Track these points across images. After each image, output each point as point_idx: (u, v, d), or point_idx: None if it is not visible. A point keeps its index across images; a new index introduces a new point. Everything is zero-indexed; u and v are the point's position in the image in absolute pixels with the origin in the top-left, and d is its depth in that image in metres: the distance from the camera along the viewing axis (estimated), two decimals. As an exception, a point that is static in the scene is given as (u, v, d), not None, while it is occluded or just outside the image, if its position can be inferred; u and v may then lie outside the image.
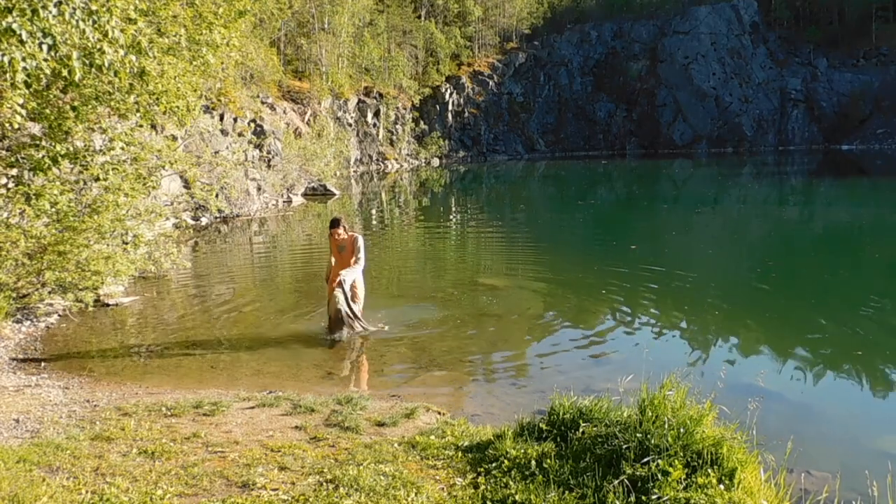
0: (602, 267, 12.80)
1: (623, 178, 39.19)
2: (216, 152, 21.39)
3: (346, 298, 7.85)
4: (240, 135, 25.82)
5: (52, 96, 6.95)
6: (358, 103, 47.93)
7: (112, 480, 3.91)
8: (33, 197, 7.22)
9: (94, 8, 4.79)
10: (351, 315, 7.89)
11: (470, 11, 59.24)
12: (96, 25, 4.80)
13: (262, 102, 32.27)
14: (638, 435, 3.85)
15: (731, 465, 3.63)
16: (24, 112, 5.40)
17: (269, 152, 28.23)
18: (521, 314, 9.18)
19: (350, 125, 46.37)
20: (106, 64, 5.04)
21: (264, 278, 12.76)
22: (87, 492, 3.76)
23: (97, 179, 7.87)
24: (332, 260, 8.20)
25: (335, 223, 8.08)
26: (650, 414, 4.02)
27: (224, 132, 25.09)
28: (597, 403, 4.44)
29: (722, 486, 3.48)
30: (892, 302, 9.64)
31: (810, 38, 63.41)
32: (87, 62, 4.95)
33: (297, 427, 4.95)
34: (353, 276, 7.91)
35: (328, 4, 44.88)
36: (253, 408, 5.43)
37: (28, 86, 4.82)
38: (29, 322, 8.48)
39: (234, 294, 11.02)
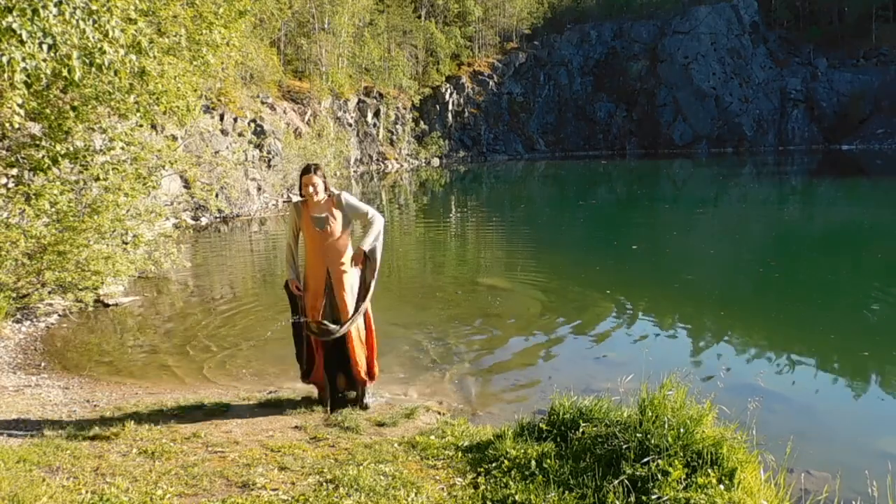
0: (603, 267, 12.81)
1: (623, 178, 39.19)
2: (216, 152, 21.40)
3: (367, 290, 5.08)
4: (240, 135, 25.83)
5: (52, 96, 6.95)
6: (358, 103, 47.93)
7: (112, 480, 3.91)
8: (33, 197, 7.23)
9: (94, 8, 4.79)
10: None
11: (470, 11, 59.28)
12: (96, 25, 4.81)
13: (262, 102, 32.28)
14: (638, 435, 3.85)
15: (731, 465, 3.63)
16: (22, 112, 5.40)
17: (269, 152, 28.23)
18: (522, 314, 9.18)
19: (350, 125, 46.38)
20: (106, 64, 5.04)
21: (264, 278, 12.76)
22: (87, 492, 3.76)
23: (97, 179, 7.88)
24: (301, 241, 5.21)
25: (309, 168, 5.08)
26: (650, 414, 4.01)
27: (224, 132, 25.09)
28: (597, 403, 4.43)
29: (722, 486, 3.48)
30: (893, 302, 9.63)
31: (810, 38, 63.43)
32: (87, 62, 4.95)
33: (297, 427, 4.94)
34: (380, 241, 5.06)
35: (328, 4, 44.89)
36: (253, 408, 5.43)
37: (28, 86, 4.83)
38: (29, 322, 8.48)
39: (234, 294, 11.02)
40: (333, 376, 5.39)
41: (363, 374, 5.28)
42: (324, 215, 5.02)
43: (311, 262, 5.13)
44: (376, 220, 5.03)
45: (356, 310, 5.05)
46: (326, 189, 5.05)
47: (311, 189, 4.96)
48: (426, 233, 18.92)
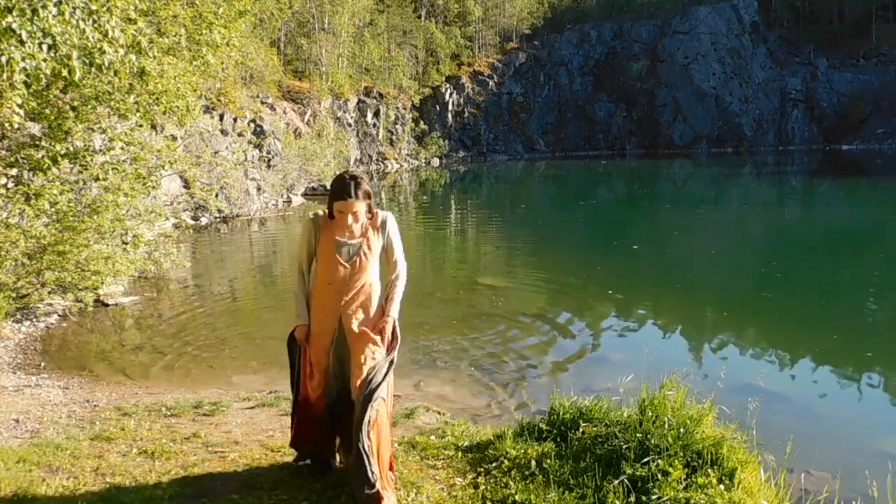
0: (603, 267, 12.80)
1: (623, 178, 39.19)
2: (216, 152, 21.40)
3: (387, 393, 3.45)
4: (240, 135, 25.84)
5: (52, 96, 6.95)
6: (358, 103, 47.94)
7: (112, 480, 3.90)
8: (33, 197, 7.23)
9: (94, 8, 4.79)
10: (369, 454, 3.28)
11: (470, 11, 59.29)
12: (96, 25, 4.81)
13: (262, 102, 32.28)
14: (638, 435, 3.85)
15: (731, 465, 3.63)
16: (22, 112, 5.40)
17: (268, 152, 28.24)
18: (522, 314, 9.17)
19: (350, 125, 46.37)
20: (106, 64, 5.04)
21: (264, 278, 12.76)
22: (87, 492, 3.76)
23: (97, 179, 7.88)
24: (316, 274, 3.59)
25: (349, 187, 3.36)
26: (650, 414, 4.01)
27: (224, 132, 25.09)
28: (597, 403, 4.43)
29: (722, 486, 3.48)
30: (894, 302, 9.63)
31: (810, 38, 63.42)
32: (87, 62, 4.95)
33: (297, 427, 4.94)
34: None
35: (328, 4, 44.90)
36: (253, 408, 5.43)
37: (28, 86, 4.83)
38: (29, 322, 8.48)
39: (233, 294, 11.02)
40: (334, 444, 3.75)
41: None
42: (356, 242, 3.45)
43: (318, 305, 3.53)
44: (404, 272, 3.60)
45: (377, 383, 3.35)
46: (370, 210, 3.49)
47: (349, 220, 3.37)
48: (426, 232, 18.92)
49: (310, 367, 3.54)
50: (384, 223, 3.55)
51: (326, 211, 3.52)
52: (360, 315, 3.49)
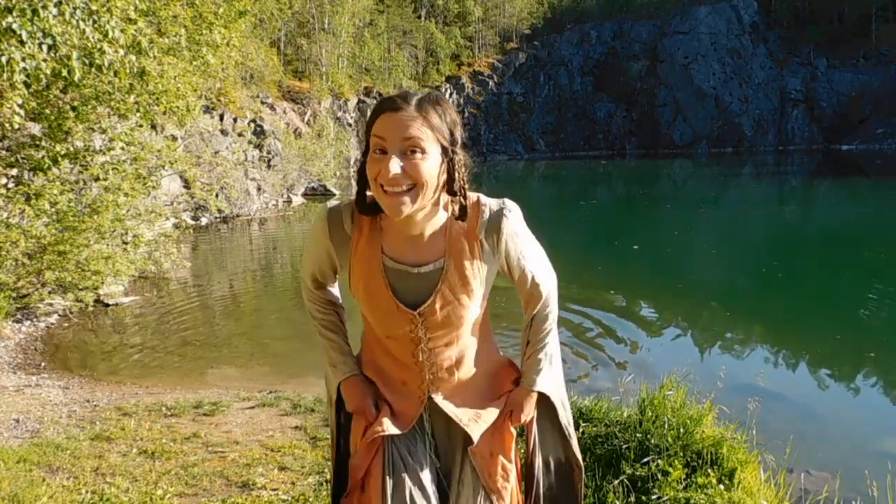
0: (604, 267, 12.80)
1: (623, 177, 39.19)
2: (216, 152, 21.40)
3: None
4: (240, 135, 25.84)
5: (52, 96, 6.95)
6: (358, 103, 47.96)
7: (112, 480, 3.90)
8: (33, 197, 7.23)
9: (94, 8, 4.79)
10: None
11: (470, 11, 59.38)
12: (96, 25, 4.81)
13: (262, 102, 32.29)
14: (638, 435, 3.85)
15: (731, 465, 3.63)
16: (22, 112, 5.41)
17: (269, 152, 28.24)
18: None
19: (350, 125, 46.38)
20: (106, 64, 5.04)
21: (264, 278, 12.76)
22: (87, 492, 3.76)
23: (97, 179, 7.89)
24: (364, 321, 1.74)
25: (399, 97, 1.50)
26: (650, 414, 4.01)
27: (224, 132, 25.09)
28: (597, 403, 4.43)
29: (722, 486, 3.48)
30: (894, 302, 9.63)
31: (810, 38, 63.47)
32: (87, 62, 4.95)
33: (297, 427, 4.94)
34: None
35: (328, 4, 44.94)
36: (253, 408, 5.43)
37: (28, 86, 4.83)
38: (29, 322, 8.48)
39: (234, 294, 11.02)
40: None
41: None
42: (431, 267, 1.67)
43: (381, 366, 1.83)
44: (554, 305, 2.11)
45: None
46: (458, 182, 1.72)
47: (393, 167, 1.47)
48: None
49: (363, 472, 1.77)
50: (498, 226, 1.71)
51: (355, 200, 1.65)
52: (463, 395, 1.90)
